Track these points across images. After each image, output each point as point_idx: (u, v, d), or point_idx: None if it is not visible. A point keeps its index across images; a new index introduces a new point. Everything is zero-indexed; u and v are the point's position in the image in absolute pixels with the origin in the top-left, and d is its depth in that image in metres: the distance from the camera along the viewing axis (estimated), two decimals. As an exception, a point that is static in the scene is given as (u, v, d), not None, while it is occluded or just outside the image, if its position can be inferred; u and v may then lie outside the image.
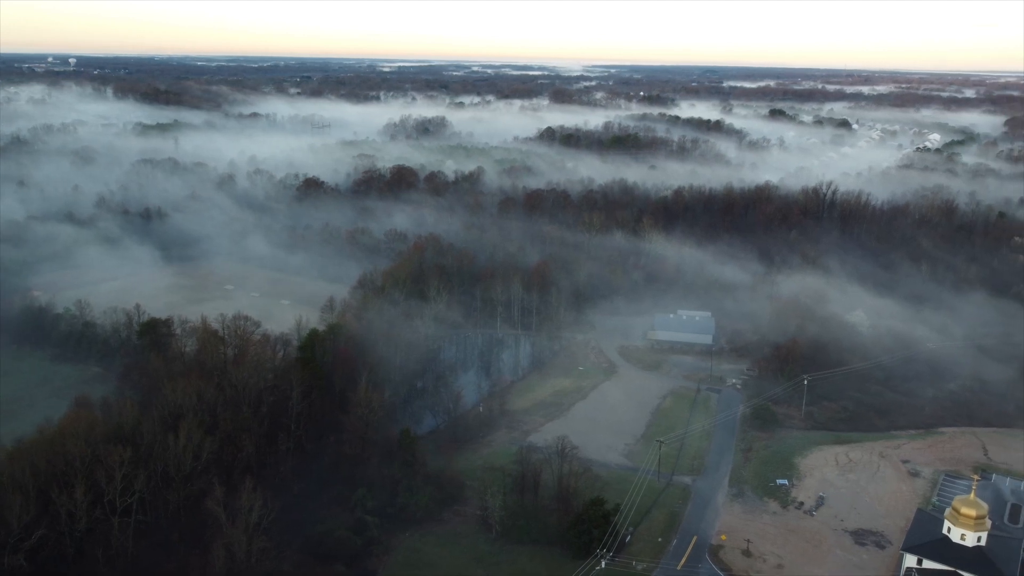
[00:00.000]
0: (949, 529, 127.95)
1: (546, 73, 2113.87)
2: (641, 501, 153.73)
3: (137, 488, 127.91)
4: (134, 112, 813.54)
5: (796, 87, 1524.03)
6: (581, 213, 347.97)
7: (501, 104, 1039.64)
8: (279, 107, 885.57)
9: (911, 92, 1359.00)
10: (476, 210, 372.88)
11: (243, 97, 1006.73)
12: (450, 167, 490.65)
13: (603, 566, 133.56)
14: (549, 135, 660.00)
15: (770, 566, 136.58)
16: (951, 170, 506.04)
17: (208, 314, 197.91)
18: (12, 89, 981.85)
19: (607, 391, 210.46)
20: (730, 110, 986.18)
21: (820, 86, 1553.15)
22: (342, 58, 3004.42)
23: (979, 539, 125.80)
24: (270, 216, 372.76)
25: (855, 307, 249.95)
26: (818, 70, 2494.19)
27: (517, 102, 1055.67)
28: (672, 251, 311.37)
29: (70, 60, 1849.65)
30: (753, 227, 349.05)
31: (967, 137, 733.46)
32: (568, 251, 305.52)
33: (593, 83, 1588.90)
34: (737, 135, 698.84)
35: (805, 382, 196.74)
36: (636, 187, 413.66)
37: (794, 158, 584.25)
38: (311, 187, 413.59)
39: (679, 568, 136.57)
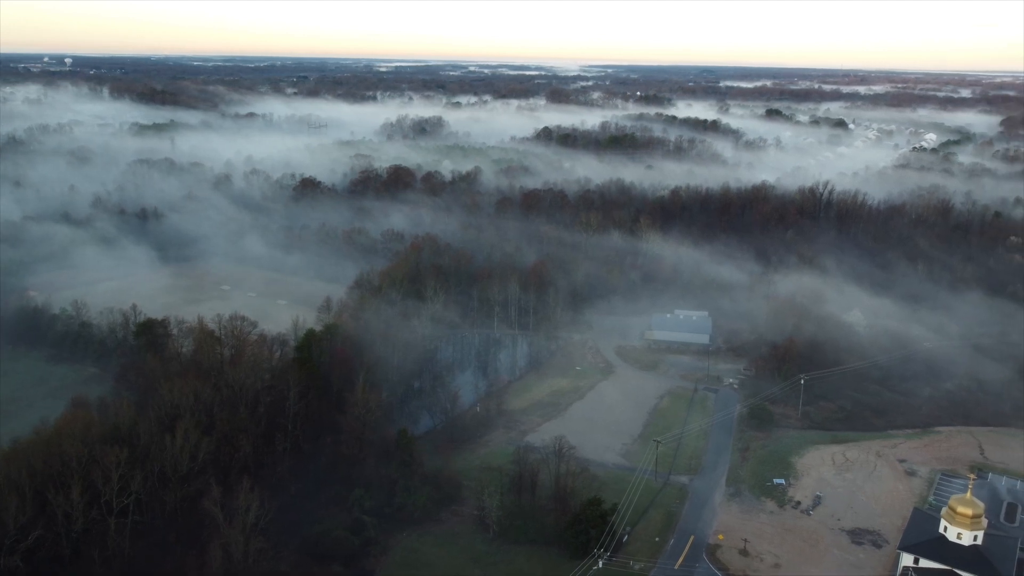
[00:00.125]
0: (946, 528, 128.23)
1: (543, 73, 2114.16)
2: (638, 501, 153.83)
3: (134, 489, 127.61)
4: (130, 112, 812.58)
5: (792, 87, 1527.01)
6: (578, 213, 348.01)
7: (498, 104, 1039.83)
8: (276, 107, 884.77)
9: (907, 92, 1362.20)
10: (473, 210, 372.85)
11: (239, 97, 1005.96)
12: (447, 167, 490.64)
13: (600, 566, 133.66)
14: (546, 135, 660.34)
15: (767, 565, 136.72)
16: (947, 170, 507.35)
17: (205, 314, 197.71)
18: (8, 89, 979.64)
19: (604, 391, 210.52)
20: (727, 110, 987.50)
21: (816, 86, 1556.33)
22: (339, 58, 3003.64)
23: (975, 538, 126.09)
24: (267, 216, 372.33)
25: (852, 307, 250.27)
26: (814, 70, 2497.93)
27: (514, 102, 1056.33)
28: (669, 251, 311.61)
29: (66, 60, 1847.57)
30: (750, 227, 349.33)
31: (963, 137, 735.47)
32: (565, 251, 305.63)
33: (590, 83, 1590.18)
34: (734, 135, 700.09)
35: (802, 382, 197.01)
36: (633, 187, 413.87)
37: (790, 158, 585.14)
38: (308, 187, 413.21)
39: (676, 568, 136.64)
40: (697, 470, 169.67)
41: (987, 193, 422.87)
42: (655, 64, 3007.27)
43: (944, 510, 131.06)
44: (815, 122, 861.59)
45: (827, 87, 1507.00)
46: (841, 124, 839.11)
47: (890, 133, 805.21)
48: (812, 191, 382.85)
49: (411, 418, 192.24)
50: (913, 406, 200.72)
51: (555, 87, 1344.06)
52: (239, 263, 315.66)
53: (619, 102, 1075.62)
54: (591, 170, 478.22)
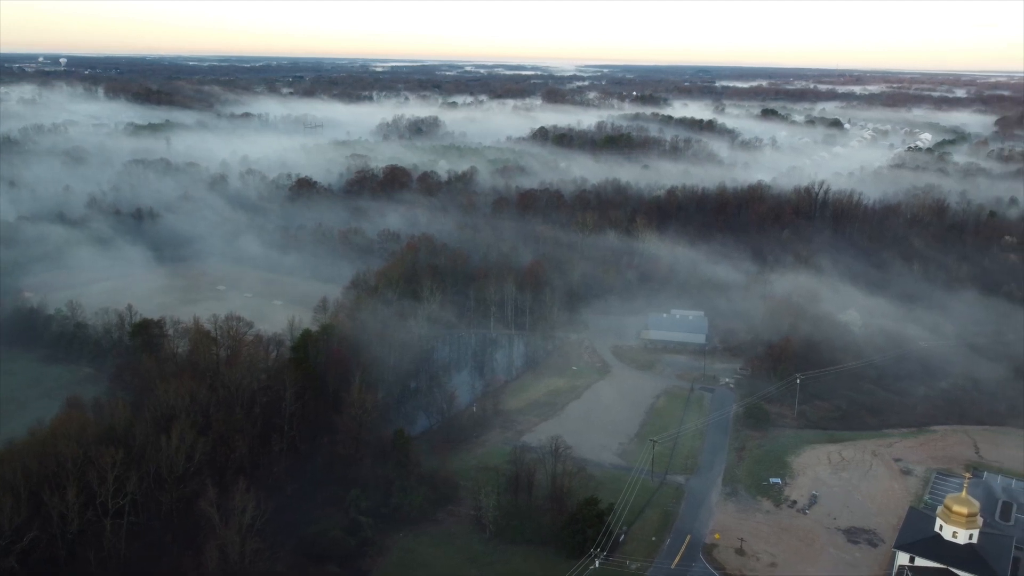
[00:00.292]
0: (941, 527, 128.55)
1: (539, 73, 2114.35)
2: (635, 500, 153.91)
3: (129, 489, 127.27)
4: (125, 112, 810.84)
5: (788, 87, 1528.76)
6: (574, 213, 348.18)
7: (494, 104, 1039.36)
8: (271, 107, 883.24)
9: (902, 92, 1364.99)
10: (469, 210, 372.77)
11: (235, 97, 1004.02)
12: (443, 167, 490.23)
13: (597, 566, 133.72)
14: (542, 135, 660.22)
15: (763, 565, 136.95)
16: (942, 170, 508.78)
17: (200, 315, 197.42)
18: (2, 89, 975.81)
19: (601, 391, 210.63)
20: (722, 110, 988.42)
21: (812, 86, 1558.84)
22: (335, 58, 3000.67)
23: (971, 537, 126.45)
24: (262, 216, 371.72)
25: (847, 306, 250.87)
26: (810, 70, 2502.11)
27: (510, 102, 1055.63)
28: (665, 251, 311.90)
29: (61, 60, 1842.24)
30: (746, 226, 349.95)
31: (958, 137, 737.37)
32: (561, 251, 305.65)
33: (586, 83, 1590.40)
34: (729, 135, 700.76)
35: (798, 381, 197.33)
36: (629, 187, 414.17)
37: (786, 158, 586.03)
38: (304, 187, 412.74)
39: (673, 567, 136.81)
40: (693, 469, 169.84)
41: (982, 193, 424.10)
42: (651, 64, 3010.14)
43: (940, 509, 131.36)
44: (811, 122, 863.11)
45: (823, 87, 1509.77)
46: (836, 124, 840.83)
47: (885, 133, 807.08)
48: (808, 191, 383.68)
49: (407, 418, 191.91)
50: (908, 405, 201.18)
51: (551, 87, 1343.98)
52: (235, 263, 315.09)
53: (615, 102, 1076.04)
54: (587, 170, 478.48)
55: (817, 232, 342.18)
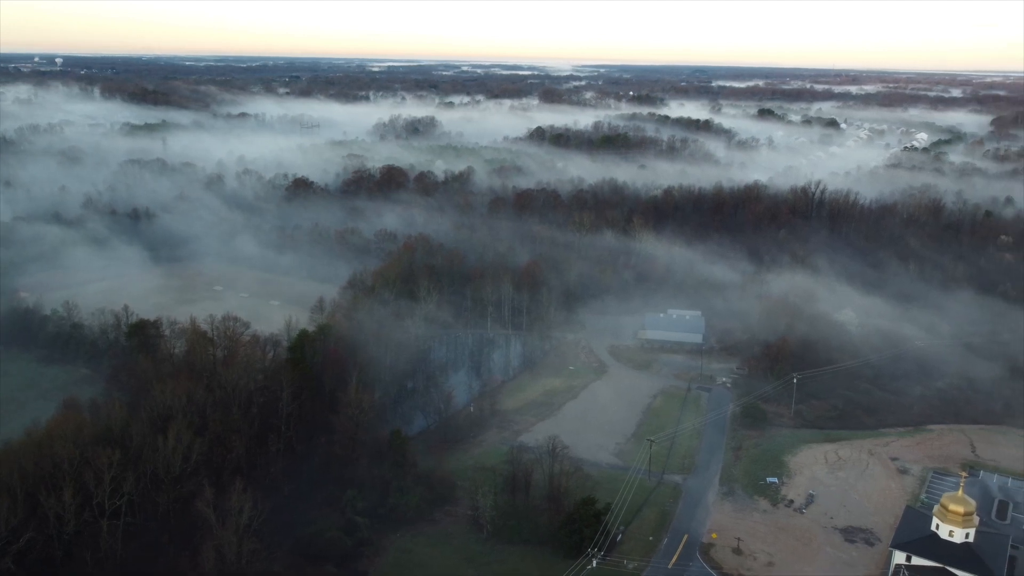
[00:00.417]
0: (937, 526, 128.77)
1: (536, 73, 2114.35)
2: (632, 500, 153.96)
3: (126, 490, 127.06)
4: (121, 112, 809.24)
5: (784, 87, 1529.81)
6: (571, 213, 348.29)
7: (491, 104, 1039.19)
8: (268, 107, 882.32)
9: (898, 92, 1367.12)
10: (466, 210, 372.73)
11: (231, 97, 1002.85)
12: (440, 167, 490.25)
13: (594, 565, 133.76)
14: (539, 135, 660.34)
15: (760, 564, 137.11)
16: (938, 169, 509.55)
17: (197, 315, 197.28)
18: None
19: (598, 390, 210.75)
20: (719, 110, 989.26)
21: (808, 86, 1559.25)
22: (331, 58, 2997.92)
23: (967, 535, 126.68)
24: (259, 216, 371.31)
25: (844, 306, 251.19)
26: (806, 70, 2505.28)
27: (507, 102, 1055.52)
28: (662, 250, 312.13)
29: (56, 60, 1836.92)
30: (742, 226, 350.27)
31: (954, 136, 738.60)
32: (558, 251, 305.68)
33: (583, 83, 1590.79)
34: (726, 135, 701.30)
35: (794, 380, 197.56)
36: (626, 187, 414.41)
37: (783, 157, 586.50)
38: (300, 187, 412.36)
39: (670, 567, 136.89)
40: (690, 469, 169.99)
41: (978, 192, 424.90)
42: (648, 64, 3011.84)
43: (936, 508, 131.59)
44: (807, 122, 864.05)
45: (819, 87, 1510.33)
46: (833, 124, 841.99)
47: (881, 133, 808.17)
48: (804, 191, 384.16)
49: (404, 418, 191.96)
50: (905, 404, 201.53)
51: (548, 87, 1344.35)
52: (231, 263, 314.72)
53: (612, 102, 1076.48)
54: (584, 170, 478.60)
55: (813, 232, 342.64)
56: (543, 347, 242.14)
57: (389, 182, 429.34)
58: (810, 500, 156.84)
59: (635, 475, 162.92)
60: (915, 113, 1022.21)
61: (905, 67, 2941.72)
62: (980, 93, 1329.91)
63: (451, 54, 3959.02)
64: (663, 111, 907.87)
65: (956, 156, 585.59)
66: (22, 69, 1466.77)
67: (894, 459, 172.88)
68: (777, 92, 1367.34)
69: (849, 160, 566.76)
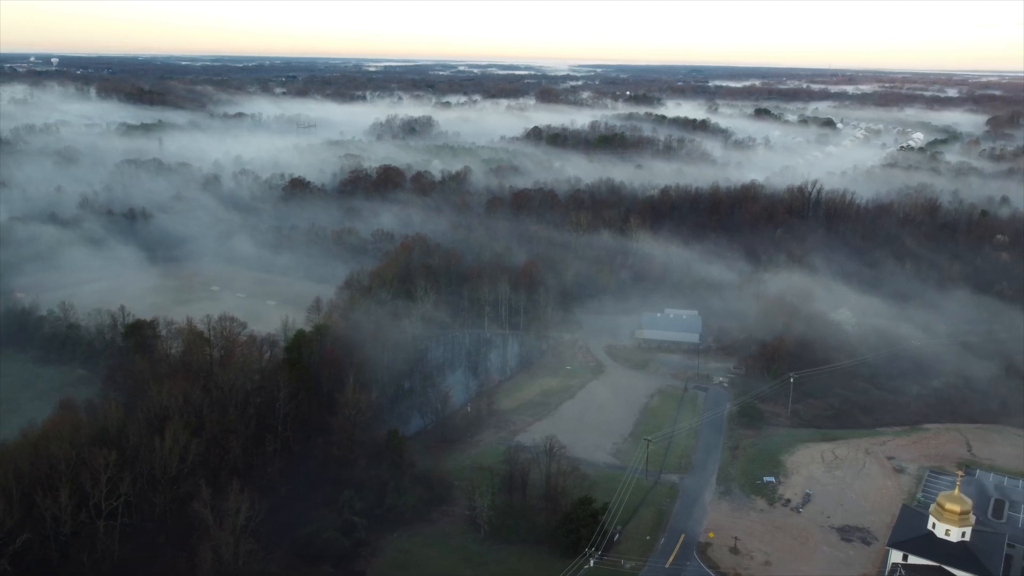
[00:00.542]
0: (934, 525, 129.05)
1: (532, 72, 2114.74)
2: (629, 500, 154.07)
3: (123, 491, 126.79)
4: (117, 112, 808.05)
5: (781, 87, 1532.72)
6: (568, 212, 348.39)
7: (488, 104, 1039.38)
8: (264, 107, 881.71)
9: (895, 91, 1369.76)
10: (463, 210, 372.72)
11: (228, 97, 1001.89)
12: (437, 167, 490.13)
13: (591, 565, 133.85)
14: (536, 135, 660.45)
15: (757, 563, 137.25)
16: (934, 169, 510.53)
17: (194, 315, 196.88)
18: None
19: (595, 390, 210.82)
20: (716, 109, 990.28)
21: (805, 85, 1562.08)
22: (328, 57, 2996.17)
23: (963, 534, 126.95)
24: (256, 216, 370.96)
25: (840, 305, 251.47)
26: (802, 70, 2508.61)
27: (504, 102, 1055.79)
28: (659, 250, 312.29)
29: (52, 60, 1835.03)
30: (739, 226, 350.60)
31: (950, 136, 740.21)
32: (555, 251, 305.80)
33: (579, 82, 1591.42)
34: (723, 134, 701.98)
35: (791, 380, 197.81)
36: (623, 186, 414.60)
37: (779, 157, 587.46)
38: (297, 187, 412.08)
39: (667, 566, 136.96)
40: (687, 469, 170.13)
41: (974, 192, 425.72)
42: (644, 64, 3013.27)
43: (932, 507, 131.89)
44: (803, 121, 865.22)
45: (815, 87, 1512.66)
46: (829, 123, 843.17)
47: (878, 132, 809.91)
48: (801, 190, 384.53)
49: (402, 418, 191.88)
50: (901, 404, 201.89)
51: (545, 87, 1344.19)
52: (228, 264, 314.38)
53: (609, 102, 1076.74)
54: (581, 170, 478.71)
55: (810, 231, 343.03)
56: (540, 347, 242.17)
57: (386, 182, 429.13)
58: (807, 499, 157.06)
59: (632, 475, 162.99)
60: (911, 113, 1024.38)
61: (904, 67, 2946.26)
62: (976, 93, 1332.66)
63: (448, 54, 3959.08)
64: (660, 111, 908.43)
65: (952, 156, 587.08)
66: (18, 69, 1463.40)
67: (891, 458, 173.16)
68: (774, 92, 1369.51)
69: (845, 160, 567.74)
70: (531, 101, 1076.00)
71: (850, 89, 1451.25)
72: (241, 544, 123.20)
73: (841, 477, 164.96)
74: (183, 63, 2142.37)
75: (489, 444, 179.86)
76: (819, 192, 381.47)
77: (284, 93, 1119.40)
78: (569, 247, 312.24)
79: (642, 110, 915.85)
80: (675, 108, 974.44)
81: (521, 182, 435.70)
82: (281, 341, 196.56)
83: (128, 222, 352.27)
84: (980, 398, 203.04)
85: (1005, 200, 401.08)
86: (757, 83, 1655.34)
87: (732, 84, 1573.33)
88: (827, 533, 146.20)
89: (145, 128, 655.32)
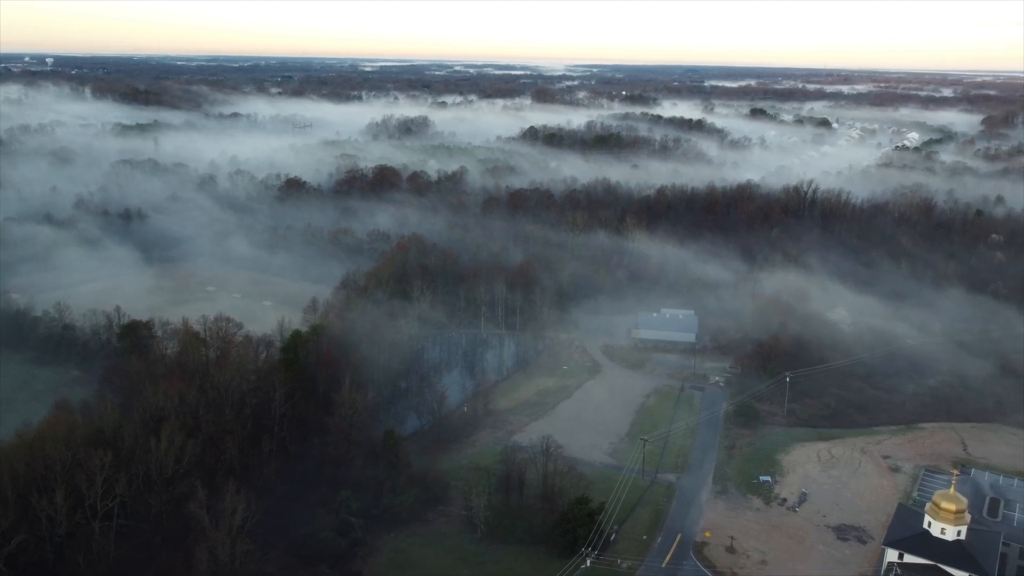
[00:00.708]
0: (929, 523, 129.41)
1: (528, 72, 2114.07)
2: (626, 499, 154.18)
3: (118, 492, 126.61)
4: (113, 112, 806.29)
5: (777, 86, 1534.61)
6: (564, 212, 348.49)
7: (483, 104, 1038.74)
8: (260, 107, 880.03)
9: (890, 91, 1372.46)
10: (459, 210, 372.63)
11: (223, 97, 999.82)
12: (433, 167, 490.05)
13: (588, 564, 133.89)
14: (532, 135, 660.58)
15: (754, 562, 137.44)
16: (930, 168, 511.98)
17: (190, 316, 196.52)
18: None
19: (591, 390, 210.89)
20: (712, 109, 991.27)
21: (800, 85, 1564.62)
22: (323, 58, 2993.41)
23: (959, 533, 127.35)
24: (252, 217, 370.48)
25: (836, 304, 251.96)
26: (798, 69, 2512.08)
27: (500, 102, 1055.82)
28: (655, 250, 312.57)
29: (47, 60, 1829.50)
30: (735, 226, 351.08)
31: (945, 136, 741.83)
32: (551, 250, 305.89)
33: (575, 82, 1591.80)
34: (719, 134, 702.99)
35: (787, 379, 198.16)
36: (619, 186, 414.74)
37: (775, 157, 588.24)
38: (293, 187, 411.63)
39: (664, 566, 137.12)
40: (684, 468, 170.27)
41: (969, 191, 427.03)
42: (640, 64, 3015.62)
43: (928, 506, 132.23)
44: (799, 121, 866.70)
45: (811, 87, 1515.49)
46: (825, 123, 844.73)
47: (873, 132, 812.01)
48: (796, 190, 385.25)
49: (398, 419, 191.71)
50: (897, 403, 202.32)
51: (541, 87, 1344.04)
52: (224, 264, 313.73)
53: (605, 102, 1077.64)
54: (577, 170, 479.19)
55: (806, 231, 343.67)
56: (537, 347, 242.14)
57: (382, 182, 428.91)
58: (803, 498, 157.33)
59: (629, 474, 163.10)
60: (906, 113, 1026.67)
61: (904, 67, 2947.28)
62: (971, 93, 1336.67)
63: (444, 54, 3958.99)
64: (656, 111, 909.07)
65: (947, 155, 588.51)
66: (12, 69, 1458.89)
67: (886, 457, 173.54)
68: (769, 92, 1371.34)
69: (841, 159, 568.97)
70: (527, 101, 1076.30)
71: (846, 89, 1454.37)
72: (237, 545, 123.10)
73: (837, 476, 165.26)
74: (178, 63, 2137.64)
75: (485, 444, 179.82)
76: (815, 192, 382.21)
77: (280, 93, 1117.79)
78: (565, 247, 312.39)
79: (638, 110, 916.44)
80: (671, 108, 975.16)
81: (517, 182, 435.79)
82: (277, 341, 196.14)
83: (124, 222, 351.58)
84: (975, 397, 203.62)
85: (1000, 200, 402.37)
86: (753, 83, 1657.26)
87: (728, 84, 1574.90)
88: (823, 532, 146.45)
89: (140, 128, 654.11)
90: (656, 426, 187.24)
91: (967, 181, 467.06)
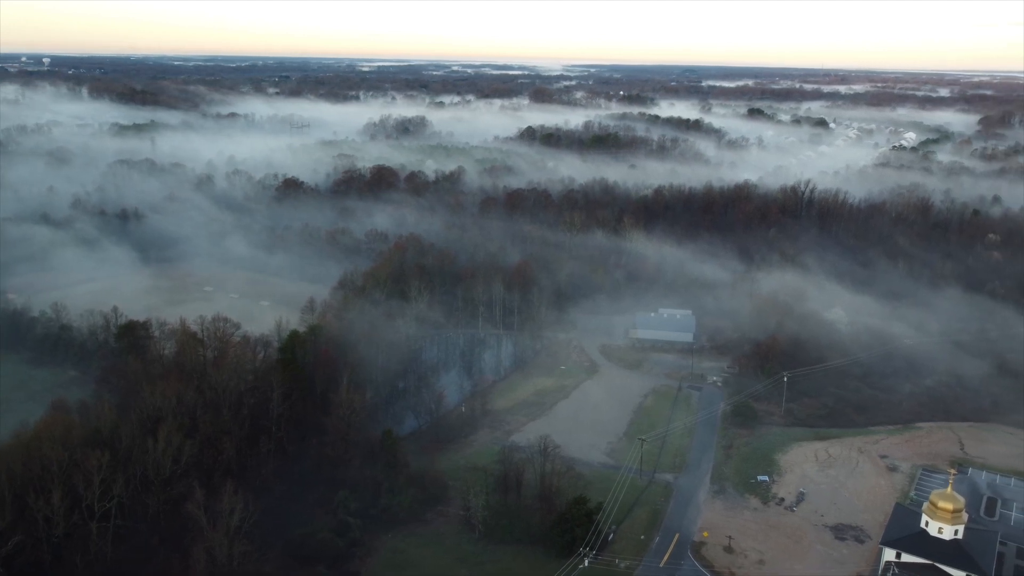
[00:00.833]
0: (927, 523, 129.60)
1: (526, 72, 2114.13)
2: (623, 499, 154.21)
3: (116, 492, 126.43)
4: (110, 112, 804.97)
5: (774, 86, 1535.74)
6: (562, 212, 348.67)
7: (481, 104, 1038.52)
8: (257, 107, 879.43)
9: (887, 91, 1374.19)
10: (457, 210, 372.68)
11: (221, 97, 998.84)
12: (430, 167, 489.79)
13: (586, 564, 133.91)
14: (529, 135, 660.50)
15: (751, 562, 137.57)
16: (927, 168, 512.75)
17: (187, 316, 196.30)
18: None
19: (589, 390, 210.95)
20: (709, 109, 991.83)
21: (798, 85, 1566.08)
22: (321, 57, 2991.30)
23: (956, 532, 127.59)
24: (249, 217, 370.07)
25: (833, 304, 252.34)
26: (795, 70, 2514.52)
27: (497, 101, 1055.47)
28: (653, 250, 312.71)
29: (44, 60, 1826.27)
30: (732, 225, 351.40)
31: (942, 136, 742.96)
32: (549, 250, 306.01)
33: (573, 82, 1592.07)
34: (716, 134, 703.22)
35: (785, 379, 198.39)
36: (616, 186, 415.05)
37: (772, 157, 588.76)
38: (290, 187, 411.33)
39: (661, 565, 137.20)
40: (682, 468, 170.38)
41: (965, 191, 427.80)
42: (638, 64, 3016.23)
43: (925, 505, 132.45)
44: (796, 121, 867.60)
45: (808, 87, 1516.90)
46: (822, 123, 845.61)
47: (870, 132, 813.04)
48: (794, 190, 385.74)
49: (396, 419, 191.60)
50: (894, 402, 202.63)
51: (538, 87, 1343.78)
52: (221, 264, 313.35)
53: (602, 102, 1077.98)
54: (574, 170, 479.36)
55: (803, 231, 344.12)
56: (534, 347, 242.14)
57: (379, 182, 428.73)
58: (801, 498, 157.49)
59: (626, 474, 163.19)
60: (903, 112, 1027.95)
61: (903, 67, 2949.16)
62: (968, 93, 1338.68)
63: (441, 54, 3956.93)
64: (653, 111, 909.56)
65: (944, 155, 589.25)
66: (9, 69, 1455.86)
67: (884, 457, 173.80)
68: (767, 92, 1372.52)
69: (838, 159, 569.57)
70: (525, 101, 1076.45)
71: (843, 89, 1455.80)
72: (235, 545, 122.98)
73: (835, 476, 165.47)
74: (175, 63, 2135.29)
75: (483, 444, 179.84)
76: (812, 192, 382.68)
77: (277, 93, 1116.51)
78: (563, 247, 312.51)
79: (635, 110, 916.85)
80: (668, 108, 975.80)
81: (515, 182, 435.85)
82: (275, 342, 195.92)
83: (121, 223, 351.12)
84: (972, 396, 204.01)
85: (997, 199, 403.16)
86: (750, 83, 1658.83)
87: (725, 84, 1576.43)
88: (821, 532, 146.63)
89: (137, 128, 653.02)
90: (654, 426, 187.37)
91: (964, 181, 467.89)
